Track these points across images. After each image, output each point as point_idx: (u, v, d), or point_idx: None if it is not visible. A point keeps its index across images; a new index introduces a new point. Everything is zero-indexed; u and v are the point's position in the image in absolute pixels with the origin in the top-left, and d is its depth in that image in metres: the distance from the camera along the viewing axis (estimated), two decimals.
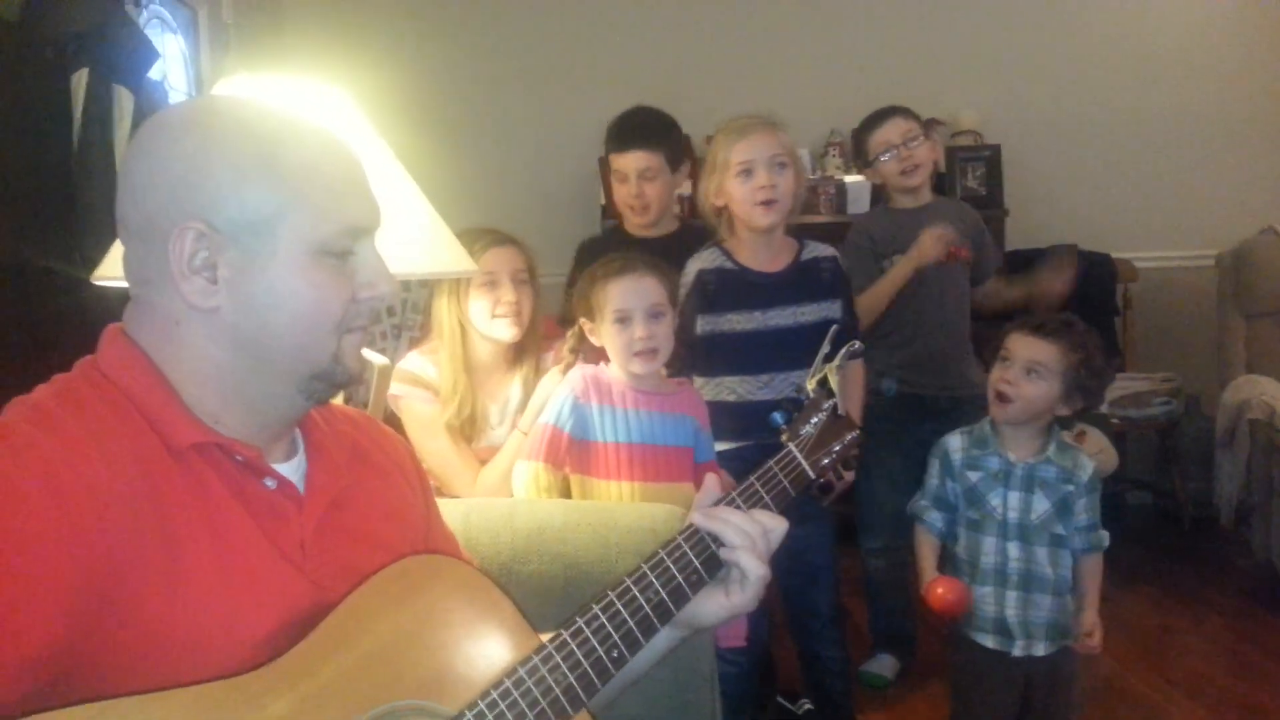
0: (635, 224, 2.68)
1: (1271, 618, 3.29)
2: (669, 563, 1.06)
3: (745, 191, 2.18)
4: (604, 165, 4.12)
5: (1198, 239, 4.37)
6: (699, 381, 2.28)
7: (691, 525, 1.09)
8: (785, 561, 2.27)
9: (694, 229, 2.91)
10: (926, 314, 2.73)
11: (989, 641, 1.99)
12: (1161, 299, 4.41)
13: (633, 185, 2.60)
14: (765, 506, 1.15)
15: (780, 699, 2.68)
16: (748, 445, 2.18)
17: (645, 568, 1.05)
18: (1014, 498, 1.99)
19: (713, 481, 1.16)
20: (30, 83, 2.25)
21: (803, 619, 2.39)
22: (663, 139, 2.63)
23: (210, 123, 0.93)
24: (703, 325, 2.25)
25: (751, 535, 1.08)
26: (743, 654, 2.25)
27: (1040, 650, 1.98)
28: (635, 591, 1.03)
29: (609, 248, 2.74)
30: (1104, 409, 3.79)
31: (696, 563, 1.07)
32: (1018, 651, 1.97)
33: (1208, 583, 3.66)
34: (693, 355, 2.26)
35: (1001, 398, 1.98)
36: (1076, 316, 2.05)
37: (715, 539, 1.08)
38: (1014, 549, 1.98)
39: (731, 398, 2.24)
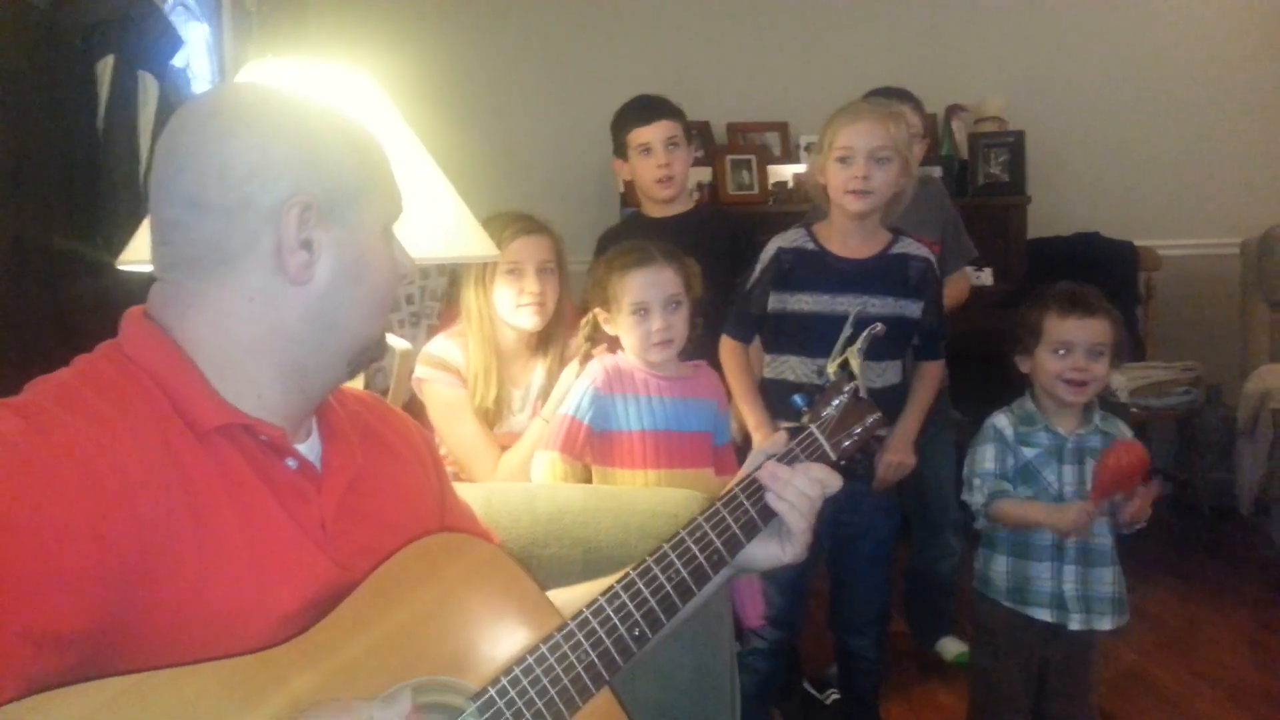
0: (661, 199, 2.70)
1: None
2: (708, 527, 1.09)
3: (840, 179, 2.17)
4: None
5: (1222, 227, 4.34)
6: (766, 358, 2.29)
7: (751, 479, 1.12)
8: (837, 552, 2.30)
9: (709, 208, 2.92)
10: None
11: (1045, 615, 2.00)
12: (1184, 287, 4.38)
13: (660, 155, 2.64)
14: (823, 458, 1.18)
15: (806, 686, 2.69)
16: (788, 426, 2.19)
17: (666, 547, 1.06)
18: (1069, 471, 2.00)
19: (782, 436, 1.19)
20: (57, 69, 2.26)
21: (846, 612, 2.38)
22: (679, 112, 2.70)
23: (292, 104, 0.96)
24: (774, 303, 2.25)
25: (810, 496, 1.11)
26: (771, 632, 2.26)
27: (1106, 625, 1.99)
28: (656, 571, 1.04)
29: (630, 235, 2.76)
30: (1124, 398, 3.78)
31: (753, 511, 1.11)
32: (1075, 625, 1.98)
33: (1229, 573, 3.64)
34: (761, 329, 2.29)
35: (1076, 385, 1.99)
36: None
37: (776, 495, 1.12)
38: None
39: (791, 377, 2.23)
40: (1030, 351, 2.04)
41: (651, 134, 2.65)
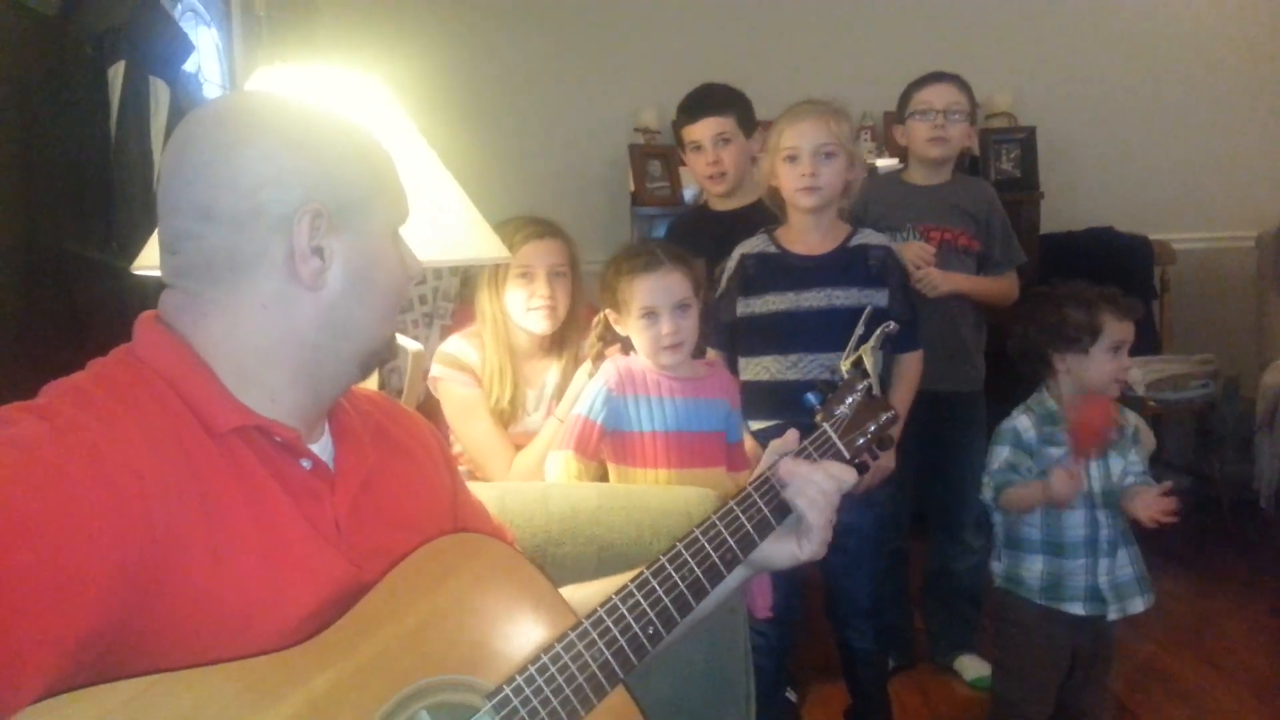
0: (715, 194, 2.67)
1: None
2: (721, 526, 1.09)
3: (790, 178, 2.22)
4: (634, 152, 4.15)
5: (1237, 219, 4.30)
6: (742, 361, 2.30)
7: (765, 478, 1.12)
8: (830, 550, 2.29)
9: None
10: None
11: (1079, 609, 2.02)
12: (1200, 281, 4.34)
13: (709, 153, 2.61)
14: (837, 455, 1.18)
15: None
16: (776, 425, 2.18)
17: (680, 545, 1.06)
18: (1095, 466, 2.02)
19: (793, 435, 1.19)
20: (68, 76, 2.27)
21: (838, 606, 2.38)
22: (732, 104, 2.65)
23: (298, 112, 0.97)
24: (742, 308, 2.28)
25: (827, 492, 1.11)
26: (772, 628, 2.26)
27: (1139, 608, 2.03)
28: (670, 569, 1.04)
29: (696, 225, 2.77)
30: (1141, 392, 3.76)
31: (766, 510, 1.11)
32: (1113, 615, 2.01)
33: (1247, 566, 3.62)
34: (734, 336, 2.30)
35: (1124, 382, 2.07)
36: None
37: (796, 490, 1.12)
38: (1104, 516, 2.02)
39: (765, 376, 2.25)
40: (1086, 350, 2.04)
41: (700, 132, 2.62)
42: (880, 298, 2.22)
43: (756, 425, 2.21)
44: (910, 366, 2.32)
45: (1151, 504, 1.96)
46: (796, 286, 2.23)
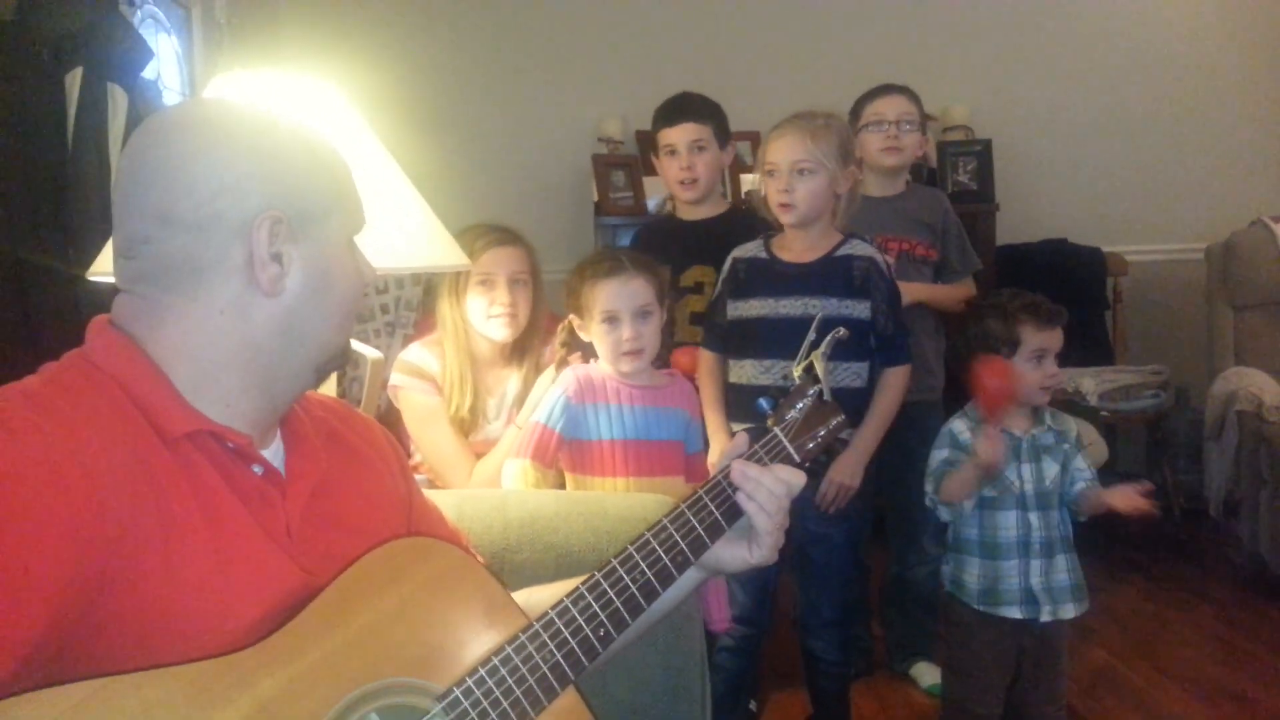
0: (683, 200, 2.68)
1: (1260, 607, 3.32)
2: (672, 529, 1.09)
3: (770, 192, 2.25)
4: (597, 161, 4.17)
5: (1187, 232, 4.39)
6: (730, 363, 2.32)
7: (716, 481, 1.13)
8: (799, 557, 2.31)
9: (741, 213, 2.93)
10: None
11: (1015, 612, 2.03)
12: (1151, 292, 4.44)
13: (683, 158, 2.60)
14: (787, 458, 1.19)
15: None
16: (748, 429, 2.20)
17: (631, 549, 1.07)
18: (1026, 469, 2.05)
19: (743, 438, 1.20)
20: (25, 82, 2.26)
21: (806, 616, 2.39)
22: (711, 114, 2.66)
23: (257, 120, 0.98)
24: (731, 311, 2.30)
25: (777, 495, 1.12)
26: (741, 633, 2.27)
27: (1069, 613, 2.04)
28: (621, 572, 1.05)
29: (664, 233, 2.78)
30: (1094, 401, 3.82)
31: (717, 512, 1.12)
32: (1045, 617, 2.03)
33: (1198, 573, 3.69)
34: (724, 338, 2.32)
35: (1049, 390, 2.08)
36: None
37: (746, 495, 1.13)
38: (1035, 519, 2.04)
39: (744, 380, 2.26)
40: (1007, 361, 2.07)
41: (676, 136, 2.61)
42: (862, 309, 2.21)
43: (738, 427, 2.22)
44: (892, 381, 2.27)
45: (1129, 494, 2.01)
46: (777, 293, 2.24)
